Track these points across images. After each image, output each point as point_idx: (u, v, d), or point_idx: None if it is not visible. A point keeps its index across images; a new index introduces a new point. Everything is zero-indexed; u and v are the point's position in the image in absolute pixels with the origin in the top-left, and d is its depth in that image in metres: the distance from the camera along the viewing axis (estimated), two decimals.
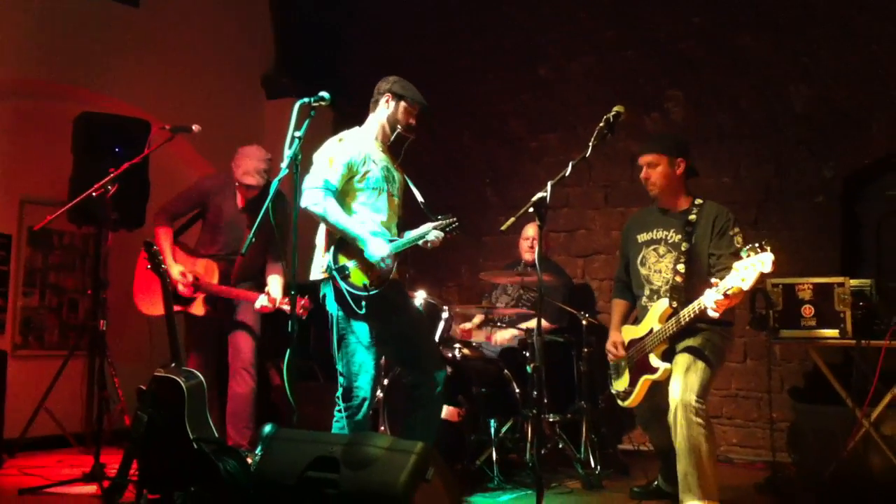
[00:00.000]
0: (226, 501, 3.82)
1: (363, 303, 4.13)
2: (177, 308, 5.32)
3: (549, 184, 3.81)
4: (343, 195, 4.27)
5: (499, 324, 5.96)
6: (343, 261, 4.19)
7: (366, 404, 4.18)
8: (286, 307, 4.99)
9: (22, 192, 6.36)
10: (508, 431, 5.27)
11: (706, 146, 6.38)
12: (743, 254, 3.95)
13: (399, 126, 4.39)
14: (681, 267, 4.34)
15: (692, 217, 4.42)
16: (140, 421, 4.36)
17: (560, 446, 5.37)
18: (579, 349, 5.56)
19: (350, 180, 4.27)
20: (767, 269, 3.87)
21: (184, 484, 3.94)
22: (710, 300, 4.04)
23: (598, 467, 5.27)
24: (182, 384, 4.28)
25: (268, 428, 5.03)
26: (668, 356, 4.35)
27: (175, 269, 5.40)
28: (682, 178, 4.53)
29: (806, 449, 5.32)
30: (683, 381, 4.19)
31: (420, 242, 4.34)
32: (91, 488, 4.64)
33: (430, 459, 3.38)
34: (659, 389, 4.41)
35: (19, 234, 6.38)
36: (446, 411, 5.00)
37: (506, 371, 5.49)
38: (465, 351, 5.56)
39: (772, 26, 6.28)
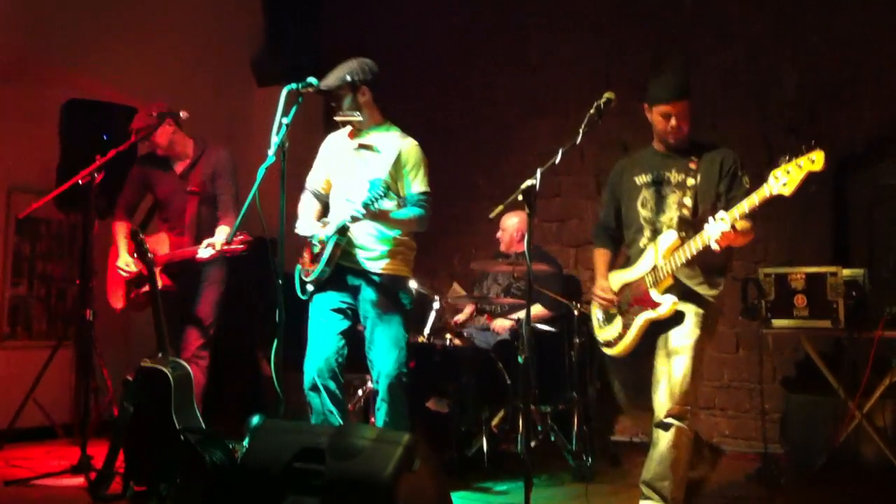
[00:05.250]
0: (211, 492, 3.79)
1: (307, 288, 4.44)
2: (141, 290, 5.22)
3: (538, 171, 3.76)
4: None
5: (489, 311, 5.94)
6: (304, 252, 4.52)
7: (308, 376, 4.36)
8: (230, 248, 4.88)
9: (9, 181, 6.29)
10: (499, 422, 5.24)
11: (697, 132, 6.29)
12: (781, 162, 3.67)
13: None
14: (687, 201, 4.08)
15: (696, 156, 4.16)
16: (126, 411, 4.33)
17: (551, 437, 5.34)
18: (571, 339, 5.52)
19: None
20: (819, 166, 3.58)
21: (169, 475, 3.89)
22: (715, 231, 3.77)
23: (590, 458, 5.24)
24: (168, 374, 4.25)
25: (255, 419, 5.01)
26: (672, 292, 4.03)
27: (121, 260, 5.27)
28: None
29: (798, 439, 5.32)
30: (679, 388, 3.96)
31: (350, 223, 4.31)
32: (78, 480, 4.60)
33: (417, 450, 3.34)
34: (651, 340, 4.12)
35: (7, 222, 6.31)
36: (434, 402, 4.98)
37: (496, 361, 5.46)
38: (456, 341, 5.53)
39: (762, 8, 6.25)
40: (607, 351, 4.27)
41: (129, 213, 5.51)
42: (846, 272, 4.92)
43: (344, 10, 7.93)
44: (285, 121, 3.92)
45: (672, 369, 3.99)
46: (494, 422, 5.23)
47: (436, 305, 5.59)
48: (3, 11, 6.12)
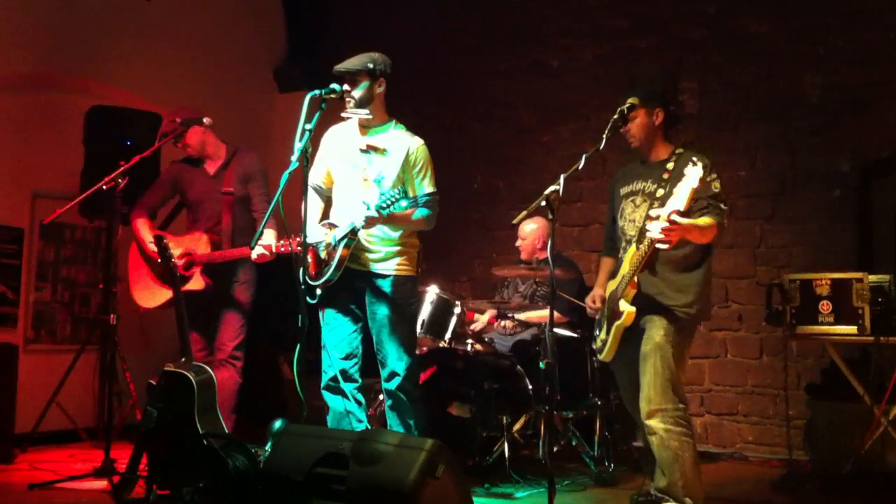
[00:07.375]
0: (234, 497, 3.79)
1: (316, 291, 4.32)
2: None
3: (561, 177, 3.75)
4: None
5: (510, 317, 5.92)
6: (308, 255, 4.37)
7: (325, 377, 4.41)
8: (284, 249, 4.81)
9: (34, 187, 6.34)
10: (521, 427, 5.23)
11: (720, 136, 6.31)
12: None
13: None
14: (653, 212, 4.05)
15: (670, 166, 4.16)
16: (149, 416, 4.34)
17: (573, 443, 5.32)
18: (592, 344, 5.49)
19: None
20: (695, 182, 3.71)
21: (192, 479, 3.90)
22: (655, 231, 3.84)
23: (612, 464, 5.22)
24: (192, 379, 4.26)
25: (277, 423, 5.01)
26: (637, 301, 4.10)
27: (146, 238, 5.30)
28: (662, 128, 4.28)
29: (822, 446, 5.27)
30: (652, 389, 4.04)
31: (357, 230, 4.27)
32: (101, 483, 4.62)
33: (440, 456, 3.34)
34: (635, 349, 4.18)
35: (31, 227, 6.36)
36: (456, 407, 4.97)
37: (518, 367, 5.44)
38: (477, 346, 5.52)
39: (784, 12, 6.22)
40: (599, 356, 4.41)
41: (150, 213, 5.52)
42: (872, 278, 4.88)
43: (365, 17, 7.94)
44: (308, 127, 3.95)
45: (642, 378, 4.11)
46: (516, 427, 5.21)
47: (457, 311, 5.56)
48: (29, 21, 6.17)
